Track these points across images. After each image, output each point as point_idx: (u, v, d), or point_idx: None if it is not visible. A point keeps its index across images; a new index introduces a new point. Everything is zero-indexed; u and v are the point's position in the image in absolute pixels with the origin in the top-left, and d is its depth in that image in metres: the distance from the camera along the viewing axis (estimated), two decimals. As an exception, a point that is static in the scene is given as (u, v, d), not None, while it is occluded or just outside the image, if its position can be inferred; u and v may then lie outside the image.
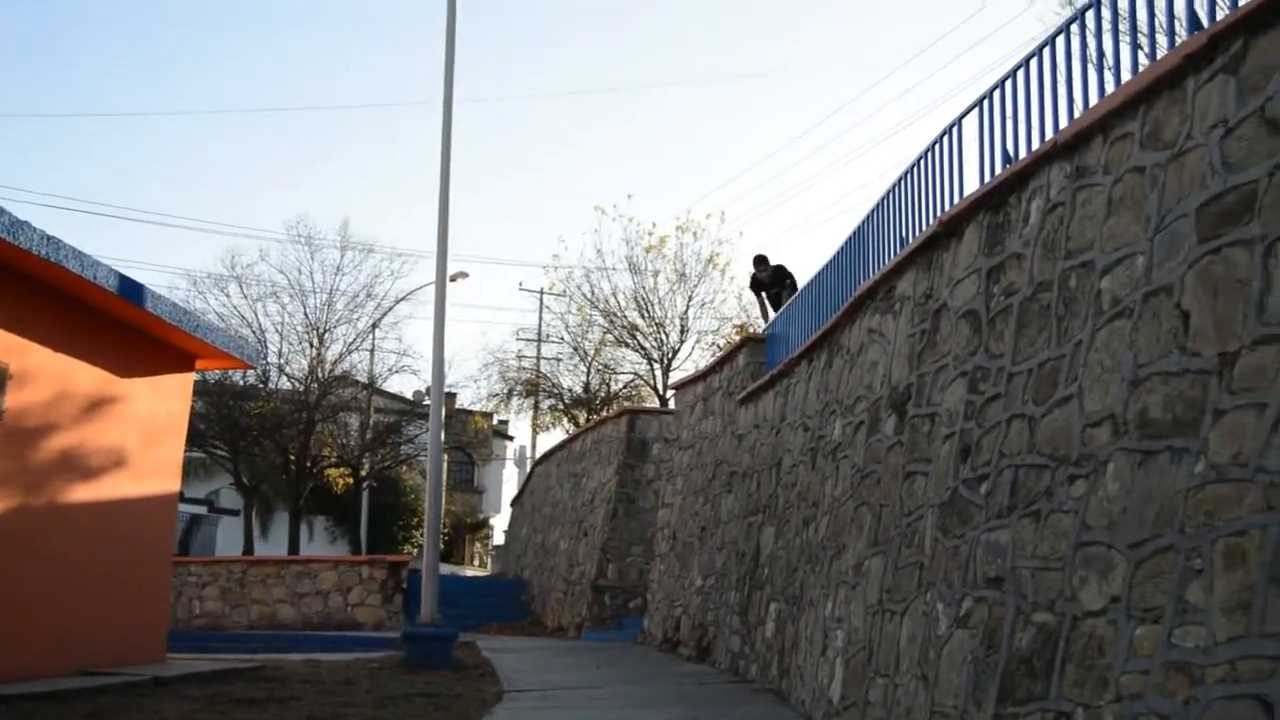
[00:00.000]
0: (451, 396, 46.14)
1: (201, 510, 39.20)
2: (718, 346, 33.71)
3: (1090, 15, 7.56)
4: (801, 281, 16.03)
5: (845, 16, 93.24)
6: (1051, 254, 7.01)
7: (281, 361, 37.47)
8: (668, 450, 21.20)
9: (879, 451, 9.49)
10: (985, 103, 8.90)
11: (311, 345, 37.67)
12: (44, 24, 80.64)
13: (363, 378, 39.40)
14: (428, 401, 25.73)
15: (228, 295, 36.83)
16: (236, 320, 36.27)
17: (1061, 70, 7.81)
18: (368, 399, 39.84)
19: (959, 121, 9.42)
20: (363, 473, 39.45)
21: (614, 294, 37.47)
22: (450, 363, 44.87)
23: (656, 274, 36.65)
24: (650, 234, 36.57)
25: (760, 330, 18.53)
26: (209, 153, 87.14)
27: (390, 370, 40.09)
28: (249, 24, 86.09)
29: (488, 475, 62.30)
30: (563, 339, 41.32)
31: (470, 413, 50.86)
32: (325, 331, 37.84)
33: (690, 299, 36.63)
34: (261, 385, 36.37)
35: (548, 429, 43.46)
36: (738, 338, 20.46)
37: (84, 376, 12.70)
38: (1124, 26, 7.19)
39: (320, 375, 37.21)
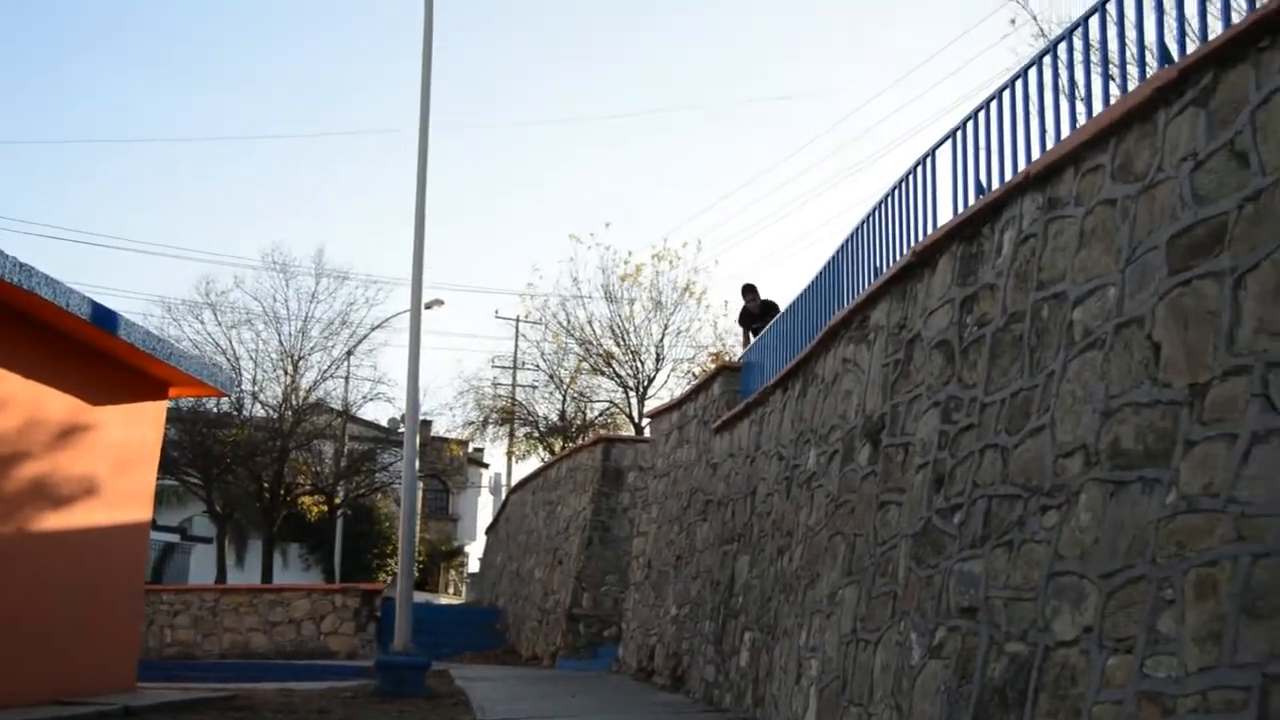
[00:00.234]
0: (427, 424, 45.99)
1: (174, 538, 38.96)
2: (693, 375, 33.73)
3: (1063, 47, 7.62)
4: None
5: (819, 48, 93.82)
6: (1024, 285, 7.05)
7: (256, 389, 37.35)
8: (643, 478, 21.18)
9: (853, 481, 9.50)
10: (959, 133, 8.95)
11: (286, 372, 37.56)
12: (16, 52, 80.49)
13: (337, 405, 39.27)
14: (403, 429, 25.70)
15: (202, 322, 36.72)
16: (211, 347, 36.14)
17: (1034, 102, 7.87)
18: (342, 426, 39.69)
19: (933, 152, 9.47)
20: (337, 500, 39.29)
21: (590, 322, 37.51)
22: (425, 390, 44.73)
23: (632, 302, 36.72)
24: (626, 262, 36.64)
25: (737, 360, 18.55)
26: (185, 180, 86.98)
27: (365, 398, 39.99)
28: (225, 53, 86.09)
29: (463, 503, 62.06)
30: (538, 367, 41.29)
31: (445, 440, 50.71)
32: (300, 359, 37.73)
33: (666, 327, 36.69)
34: (235, 413, 36.23)
35: (523, 457, 43.36)
36: (713, 366, 20.49)
37: (56, 404, 12.62)
38: (1096, 57, 7.24)
39: (294, 403, 37.08)
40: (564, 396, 39.69)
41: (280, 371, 37.66)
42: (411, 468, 16.56)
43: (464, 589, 55.16)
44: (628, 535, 21.84)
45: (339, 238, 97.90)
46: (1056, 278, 6.67)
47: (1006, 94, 8.20)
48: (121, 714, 11.62)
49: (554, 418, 40.00)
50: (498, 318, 52.91)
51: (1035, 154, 7.61)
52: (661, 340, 36.75)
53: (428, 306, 33.23)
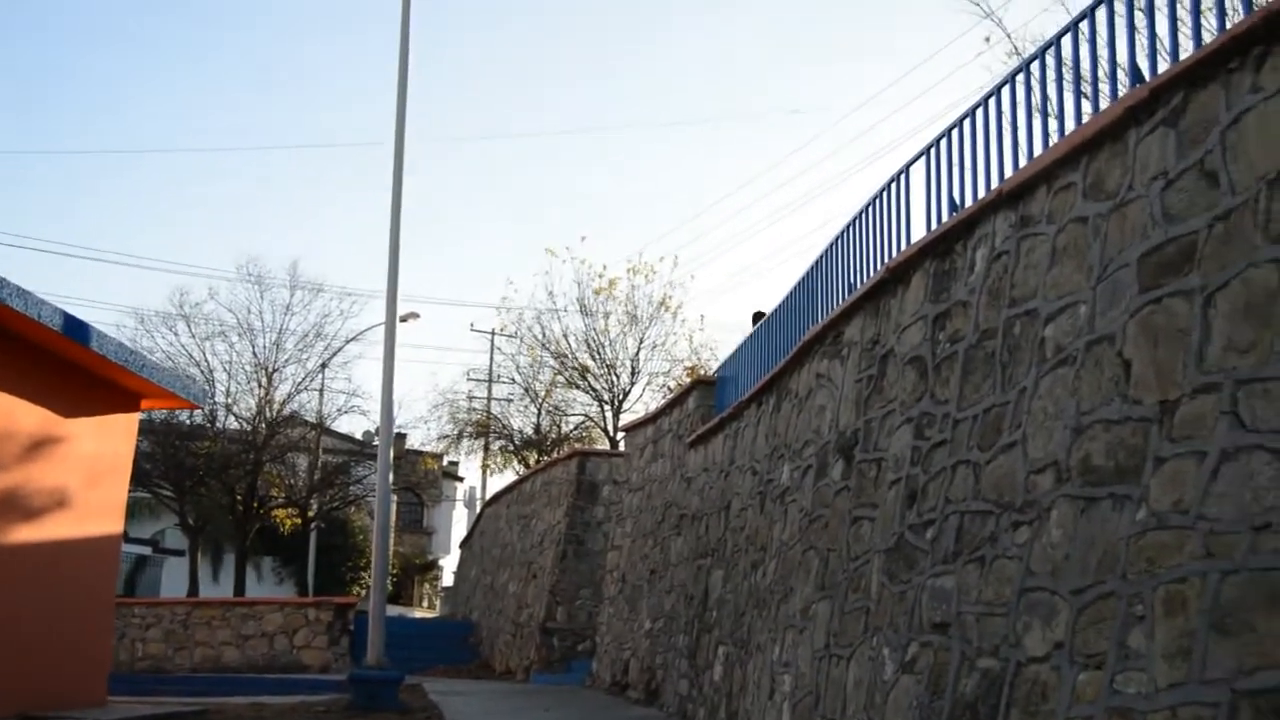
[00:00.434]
0: (401, 437, 45.85)
1: (146, 551, 38.69)
2: (668, 389, 33.76)
3: (1035, 65, 7.67)
4: (750, 327, 16.08)
5: (792, 65, 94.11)
6: (996, 302, 7.09)
7: (229, 401, 37.20)
8: (617, 492, 21.17)
9: (826, 496, 9.52)
10: (933, 151, 9.00)
11: (260, 385, 37.43)
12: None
13: (311, 418, 39.13)
14: (377, 442, 25.65)
15: (176, 334, 36.59)
16: (184, 359, 36.01)
17: (1008, 119, 7.92)
18: (316, 439, 39.56)
19: (907, 169, 9.51)
20: (311, 514, 39.13)
21: (565, 335, 37.53)
22: (400, 403, 44.68)
23: (608, 316, 36.74)
24: (601, 276, 36.66)
25: (712, 375, 18.56)
26: (158, 190, 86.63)
27: (339, 410, 39.89)
28: (199, 62, 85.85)
29: (437, 516, 61.87)
30: (513, 380, 41.32)
31: (420, 453, 50.58)
32: (274, 371, 37.62)
33: (641, 341, 36.72)
34: (209, 425, 36.06)
35: (498, 470, 43.31)
36: (688, 380, 20.50)
37: (26, 416, 12.54)
38: (1070, 76, 7.29)
39: (268, 415, 36.95)
40: (539, 410, 39.72)
41: (254, 384, 37.56)
42: (385, 481, 16.50)
43: (438, 603, 54.96)
44: (602, 549, 21.81)
45: (314, 250, 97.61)
46: (1028, 295, 6.71)
47: (980, 112, 8.25)
48: (91, 728, 11.53)
49: (529, 431, 40.00)
50: (473, 331, 52.76)
51: (1008, 172, 7.66)
52: (637, 354, 36.81)
53: (403, 319, 33.15)
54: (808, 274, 12.05)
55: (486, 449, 42.64)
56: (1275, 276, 4.71)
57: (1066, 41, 7.24)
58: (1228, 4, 6.05)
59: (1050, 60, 7.46)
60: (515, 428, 40.86)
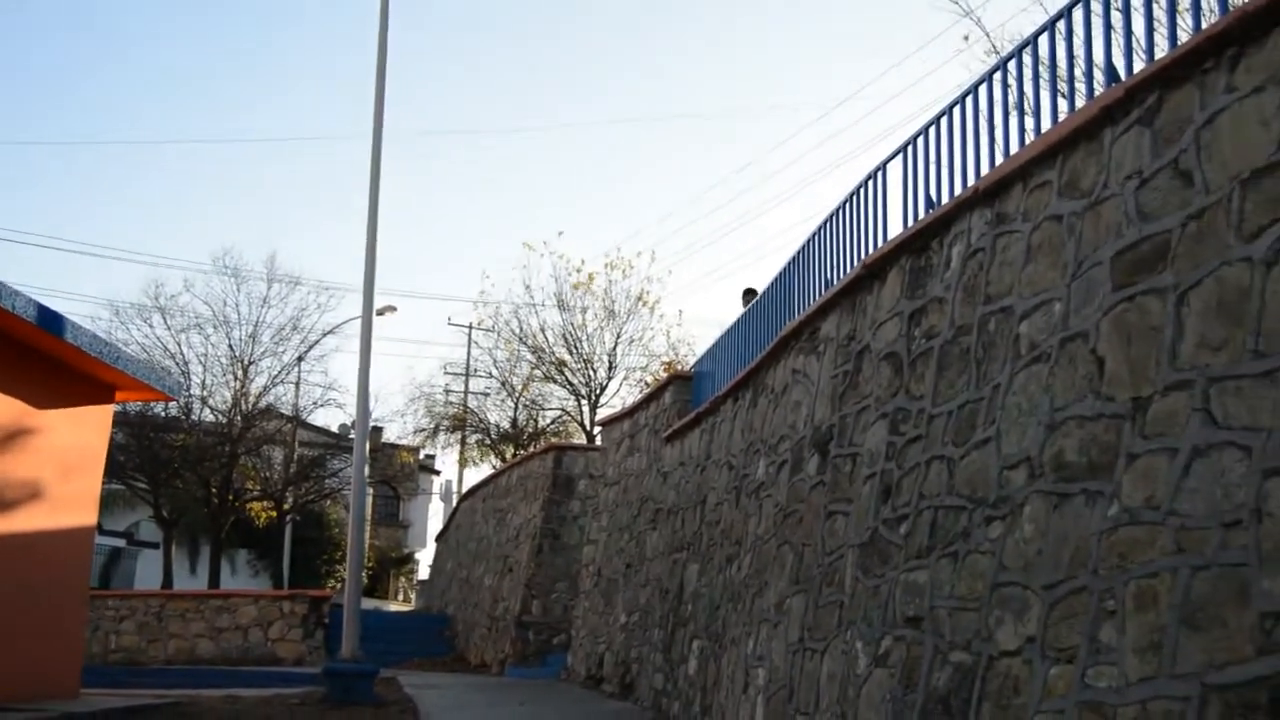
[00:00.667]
0: (378, 430, 45.82)
1: (120, 543, 38.53)
2: (645, 383, 33.78)
3: (1013, 64, 7.71)
4: (729, 321, 16.11)
5: (772, 59, 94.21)
6: (972, 298, 7.12)
7: (205, 394, 37.08)
8: (594, 487, 21.19)
9: (801, 491, 9.55)
10: (910, 148, 9.03)
11: (236, 377, 37.31)
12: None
13: (287, 411, 39.03)
14: (353, 435, 25.61)
15: (151, 326, 36.43)
16: (159, 351, 35.86)
17: (984, 117, 7.95)
18: (292, 432, 39.45)
19: (884, 166, 9.54)
20: (286, 506, 39.04)
21: (542, 330, 37.49)
22: (376, 396, 44.55)
23: (585, 310, 36.72)
24: (579, 271, 36.64)
25: (689, 369, 18.58)
26: (134, 183, 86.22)
27: (316, 404, 39.81)
28: (174, 55, 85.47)
29: (413, 510, 61.84)
30: (490, 374, 41.28)
31: (396, 447, 50.53)
32: (250, 364, 37.50)
33: (619, 336, 36.72)
34: (184, 417, 35.93)
35: (474, 464, 43.28)
36: (665, 375, 20.52)
37: None
38: (1047, 74, 7.33)
39: (244, 408, 36.84)
40: (516, 404, 39.69)
41: (230, 376, 37.46)
42: (361, 474, 16.50)
43: (414, 596, 54.92)
44: (578, 543, 21.83)
45: (291, 243, 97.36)
46: (1004, 292, 6.74)
47: (957, 110, 8.29)
48: (64, 720, 11.49)
49: (506, 425, 39.97)
50: (450, 324, 52.95)
51: (984, 169, 7.69)
52: (614, 349, 36.80)
53: (379, 313, 33.14)
54: (784, 270, 12.08)
55: (463, 443, 42.60)
56: (1248, 275, 4.75)
57: (1044, 40, 7.28)
58: (1204, 4, 6.10)
59: (1028, 59, 7.50)
60: (492, 421, 40.85)
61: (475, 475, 41.41)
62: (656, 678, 13.98)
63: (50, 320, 12.35)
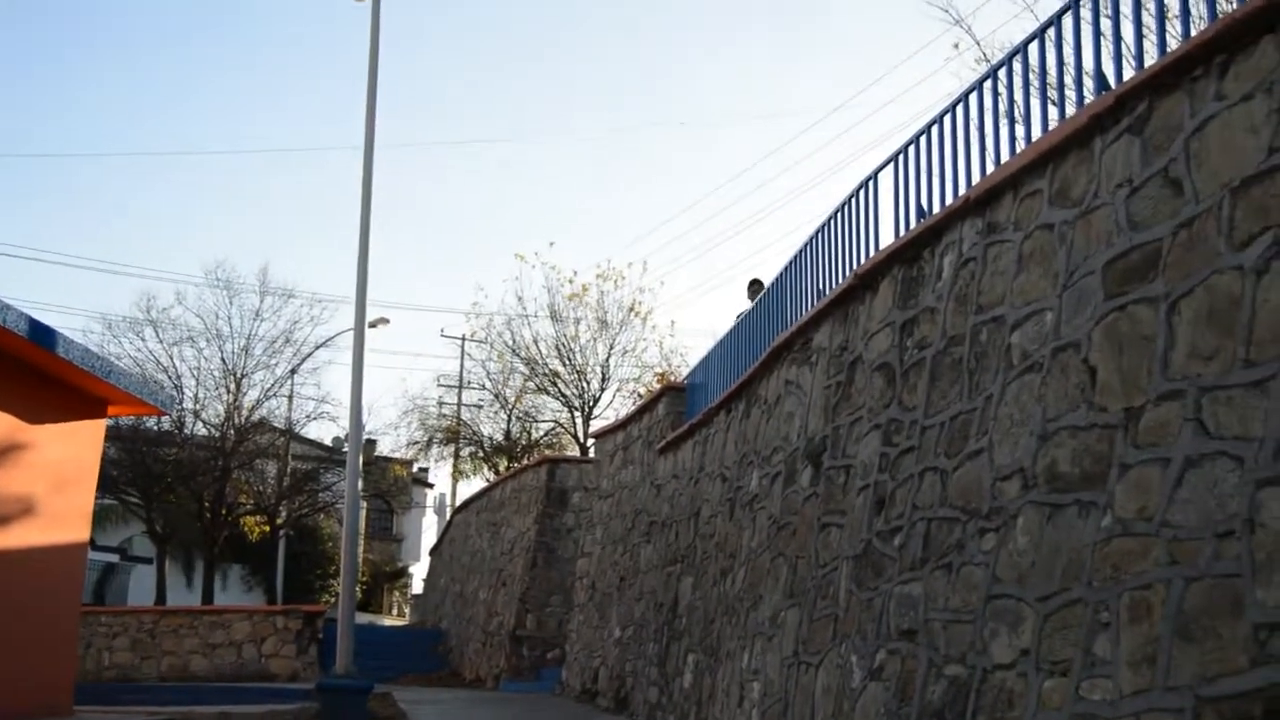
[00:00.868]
0: (371, 443, 45.71)
1: (114, 558, 38.39)
2: (638, 395, 33.71)
3: (1003, 72, 7.69)
4: (722, 331, 16.09)
5: (764, 68, 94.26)
6: (963, 308, 7.09)
7: (197, 407, 36.92)
8: (587, 499, 21.14)
9: (795, 503, 9.51)
10: (901, 157, 9.00)
11: (228, 391, 37.18)
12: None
13: (280, 424, 38.92)
14: (346, 448, 25.55)
15: (143, 339, 36.25)
16: (152, 365, 35.68)
17: (975, 126, 7.93)
18: (285, 446, 39.34)
19: (875, 175, 9.51)
20: (279, 521, 38.92)
21: (535, 341, 37.40)
22: (369, 409, 44.45)
23: (578, 321, 36.64)
24: (571, 281, 36.59)
25: (682, 381, 18.54)
26: (126, 195, 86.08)
27: (309, 417, 39.62)
28: (168, 67, 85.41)
29: (407, 523, 61.72)
30: (484, 386, 41.20)
31: (390, 460, 50.40)
32: (243, 377, 37.36)
33: (612, 347, 36.64)
34: (176, 431, 35.81)
35: (468, 477, 43.19)
36: (658, 386, 20.48)
37: (-9, 423, 12.44)
38: (1037, 81, 7.31)
39: (237, 421, 36.72)
40: (509, 416, 39.60)
41: (222, 390, 37.27)
42: (354, 487, 16.41)
43: (408, 610, 54.80)
44: (572, 556, 21.77)
45: (285, 255, 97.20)
46: (995, 301, 6.72)
47: (948, 119, 8.26)
48: (55, 738, 11.42)
49: (499, 437, 39.88)
50: (443, 336, 52.43)
51: (975, 178, 7.67)
52: (607, 360, 36.73)
53: (372, 325, 33.10)
54: (777, 280, 12.05)
55: (456, 455, 42.52)
56: (1238, 283, 4.72)
57: (1034, 48, 7.26)
58: (1193, 10, 6.08)
59: (1018, 66, 7.48)
60: (485, 434, 40.77)
61: (469, 488, 41.38)
62: (651, 691, 13.93)
63: (42, 334, 12.29)
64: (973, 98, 7.97)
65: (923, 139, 8.64)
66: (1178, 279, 5.09)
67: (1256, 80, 4.82)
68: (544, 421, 39.49)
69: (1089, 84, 6.57)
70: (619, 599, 16.74)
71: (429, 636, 31.03)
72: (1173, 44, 5.96)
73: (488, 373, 40.32)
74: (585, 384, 36.84)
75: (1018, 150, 7.16)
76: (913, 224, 8.50)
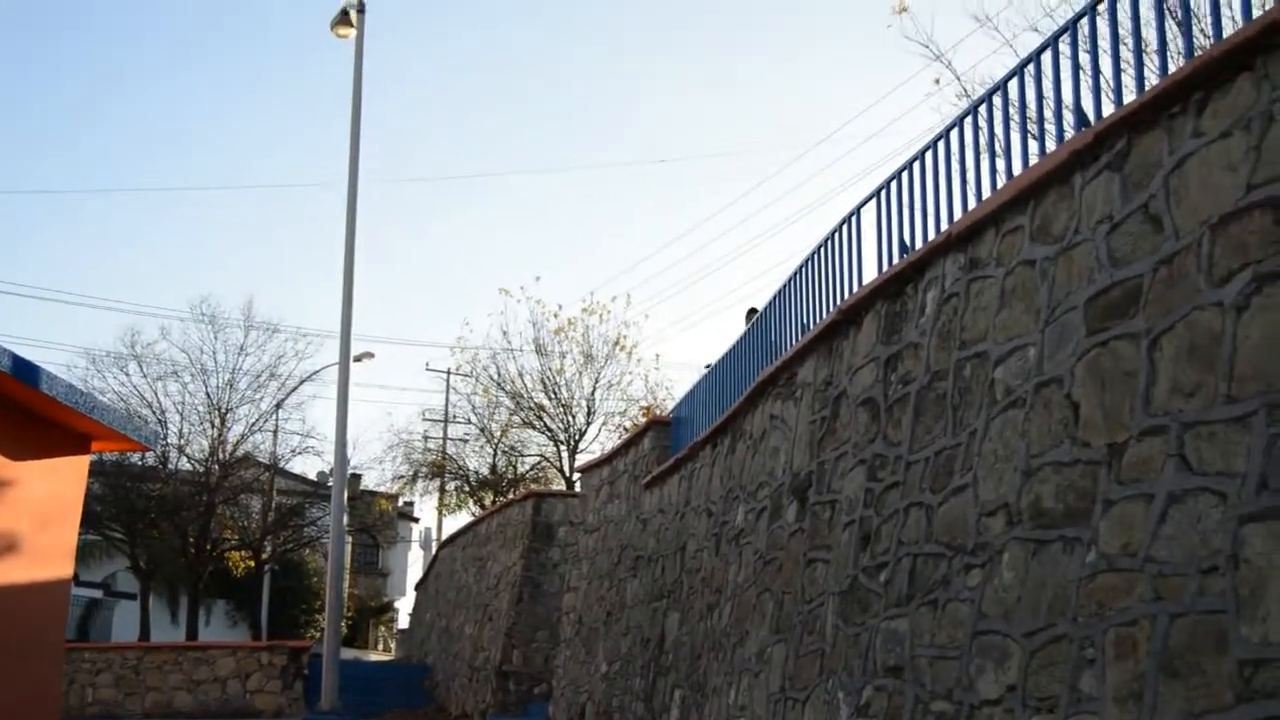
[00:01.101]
0: (356, 478, 45.54)
1: (97, 594, 38.17)
2: (624, 429, 33.70)
3: (984, 108, 7.73)
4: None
5: (743, 106, 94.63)
6: (947, 344, 7.11)
7: (181, 442, 36.82)
8: (573, 534, 21.07)
9: (781, 538, 9.51)
10: (883, 193, 9.03)
11: (213, 425, 37.08)
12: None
13: (265, 459, 38.80)
14: (331, 483, 25.49)
15: (127, 374, 36.19)
16: (136, 400, 35.63)
17: (956, 161, 7.97)
18: (270, 480, 39.22)
19: (858, 211, 9.54)
20: (264, 556, 38.76)
21: (520, 375, 37.41)
22: (355, 444, 44.41)
23: (563, 355, 36.67)
24: (556, 315, 36.62)
25: (668, 415, 18.54)
26: (110, 230, 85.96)
27: (293, 451, 39.53)
28: (150, 103, 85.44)
29: (392, 558, 61.49)
30: (469, 420, 41.12)
31: (375, 494, 50.27)
32: (227, 412, 37.28)
33: (597, 380, 36.66)
34: (161, 466, 35.69)
35: (453, 511, 43.06)
36: (644, 420, 20.47)
37: (-27, 460, 12.37)
38: (1018, 116, 7.36)
39: (221, 456, 36.61)
40: (495, 450, 39.54)
41: (207, 425, 37.19)
42: (340, 522, 16.41)
43: (393, 645, 54.54)
44: (558, 591, 21.69)
45: (270, 290, 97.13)
46: (978, 337, 6.74)
47: (929, 154, 8.30)
48: (37, 779, 11.32)
49: (485, 471, 39.81)
50: (428, 370, 52.35)
51: (957, 214, 7.70)
52: (592, 394, 36.74)
53: (357, 359, 33.00)
54: (762, 314, 12.07)
55: (442, 490, 42.43)
56: (1219, 320, 4.75)
57: (1014, 85, 7.31)
58: (1170, 47, 6.13)
59: (998, 101, 7.53)
60: (471, 468, 40.70)
61: (454, 523, 41.25)
62: (638, 727, 13.87)
63: (25, 370, 12.22)
64: (954, 134, 8.02)
65: (905, 174, 8.67)
66: (1159, 315, 5.11)
67: (1234, 117, 4.86)
68: (529, 456, 39.47)
69: (1069, 119, 6.60)
70: (605, 634, 16.68)
71: (415, 672, 30.85)
72: (1151, 80, 6.01)
73: (473, 407, 40.28)
74: (571, 418, 36.84)
75: (999, 185, 7.21)
76: (895, 259, 8.53)
